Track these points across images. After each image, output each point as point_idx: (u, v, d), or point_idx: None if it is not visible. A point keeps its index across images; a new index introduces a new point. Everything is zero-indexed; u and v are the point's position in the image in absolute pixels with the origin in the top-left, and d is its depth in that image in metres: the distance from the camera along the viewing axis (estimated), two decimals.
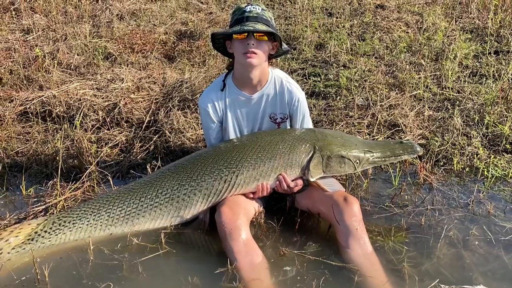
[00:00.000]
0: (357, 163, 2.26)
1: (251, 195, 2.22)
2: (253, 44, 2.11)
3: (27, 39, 4.31)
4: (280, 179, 2.19)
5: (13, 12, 4.75)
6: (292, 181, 2.22)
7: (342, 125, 3.18)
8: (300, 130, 2.35)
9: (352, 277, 1.88)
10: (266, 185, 2.19)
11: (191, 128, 3.03)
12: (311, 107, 3.36)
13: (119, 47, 4.14)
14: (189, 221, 2.20)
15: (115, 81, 3.49)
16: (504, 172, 2.69)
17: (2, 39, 4.25)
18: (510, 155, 2.86)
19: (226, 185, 2.15)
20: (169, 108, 3.15)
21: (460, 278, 1.86)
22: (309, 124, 2.44)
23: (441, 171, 2.74)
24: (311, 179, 2.22)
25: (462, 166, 2.77)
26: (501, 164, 2.75)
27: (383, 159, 2.34)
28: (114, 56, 3.98)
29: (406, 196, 2.49)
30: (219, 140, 2.40)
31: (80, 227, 2.09)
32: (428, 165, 2.75)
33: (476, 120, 3.16)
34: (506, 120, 3.08)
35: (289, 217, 2.28)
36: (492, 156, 2.80)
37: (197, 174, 2.17)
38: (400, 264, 1.97)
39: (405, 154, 2.36)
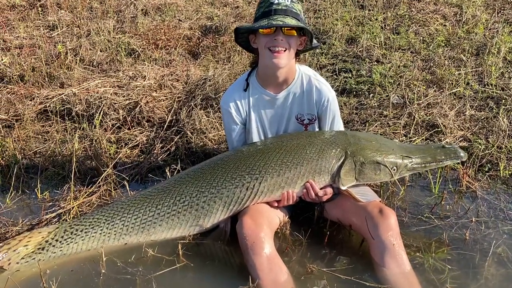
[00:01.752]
0: (394, 170, 2.05)
1: (276, 204, 2.04)
2: (281, 40, 1.92)
3: (52, 35, 4.25)
4: (307, 187, 2.00)
5: (39, 8, 4.70)
6: (321, 189, 2.03)
7: (376, 126, 2.95)
8: (330, 133, 2.15)
9: None
10: (292, 193, 2.01)
11: (214, 129, 2.87)
12: (341, 106, 3.14)
13: (142, 43, 4.02)
14: (208, 230, 2.04)
15: (137, 78, 3.37)
16: None
17: (28, 35, 4.20)
18: None
19: (248, 192, 1.98)
20: (191, 107, 3.00)
21: None
22: (340, 126, 2.24)
23: (486, 177, 2.49)
24: (342, 188, 2.02)
25: (509, 172, 2.51)
26: None
27: (423, 165, 2.12)
28: (137, 52, 3.87)
29: (447, 206, 2.26)
30: (242, 142, 2.23)
31: (93, 236, 1.96)
32: (471, 170, 2.51)
33: None
34: None
35: (317, 228, 2.09)
36: None
37: (218, 181, 2.00)
38: (443, 285, 1.76)
39: (447, 160, 2.14)
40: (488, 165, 2.58)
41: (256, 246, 1.81)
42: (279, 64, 1.94)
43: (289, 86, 2.11)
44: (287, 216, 2.12)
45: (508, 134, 2.78)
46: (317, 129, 2.21)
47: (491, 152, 2.63)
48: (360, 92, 3.35)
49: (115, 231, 1.98)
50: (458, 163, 2.26)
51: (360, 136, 2.18)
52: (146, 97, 3.13)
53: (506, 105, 3.03)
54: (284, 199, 2.01)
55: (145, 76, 3.36)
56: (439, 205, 2.26)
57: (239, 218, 1.95)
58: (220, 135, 2.83)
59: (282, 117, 2.18)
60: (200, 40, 4.04)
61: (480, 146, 2.66)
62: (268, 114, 2.17)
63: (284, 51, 1.94)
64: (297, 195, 2.03)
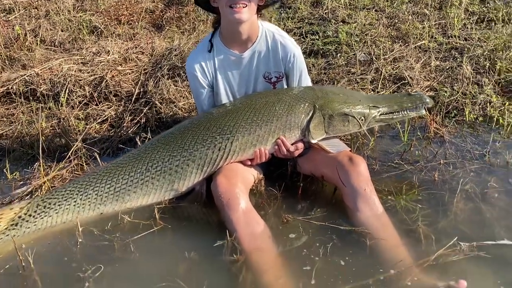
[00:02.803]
0: (362, 120, 2.08)
1: (249, 162, 2.05)
2: None
3: (9, 19, 4.10)
4: (278, 143, 2.01)
5: None
6: (292, 144, 2.04)
7: (343, 83, 2.98)
8: (298, 89, 2.16)
9: (363, 241, 1.73)
10: (264, 151, 2.02)
11: (183, 98, 2.84)
12: (310, 67, 3.15)
13: (104, 19, 3.92)
14: (184, 194, 2.04)
15: (100, 54, 3.30)
16: None
17: None
18: None
19: (221, 153, 1.99)
20: (158, 78, 2.96)
21: (481, 234, 1.70)
22: (307, 82, 2.24)
23: (452, 123, 2.55)
24: (313, 141, 2.05)
25: (474, 116, 2.58)
26: None
27: (390, 115, 2.14)
28: (100, 30, 3.77)
29: (416, 152, 2.31)
30: (211, 106, 2.22)
31: (67, 208, 1.94)
32: (438, 117, 2.57)
33: (487, 67, 2.94)
34: None
35: (291, 183, 2.12)
36: (507, 103, 2.60)
37: (189, 144, 2.00)
38: (414, 223, 1.81)
39: (413, 108, 2.14)
40: (454, 111, 2.64)
41: (232, 202, 1.83)
42: (241, 19, 1.92)
43: (254, 44, 2.09)
44: (261, 174, 2.14)
45: (472, 81, 2.85)
46: (285, 87, 2.21)
47: (457, 98, 2.70)
48: (327, 53, 3.36)
49: (89, 201, 1.96)
50: (424, 112, 2.21)
51: (328, 90, 2.19)
52: (111, 71, 3.08)
53: (469, 54, 3.08)
54: (257, 156, 2.02)
55: (109, 51, 3.29)
56: (409, 151, 2.31)
57: (213, 178, 1.96)
58: (190, 103, 2.81)
59: (249, 77, 2.17)
60: (164, 12, 3.96)
61: (445, 94, 2.72)
62: (235, 74, 2.16)
63: (245, 6, 1.92)
64: (269, 152, 2.05)
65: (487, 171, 2.11)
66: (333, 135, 2.10)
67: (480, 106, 2.65)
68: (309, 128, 2.03)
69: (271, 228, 1.83)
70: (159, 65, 3.08)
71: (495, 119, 2.50)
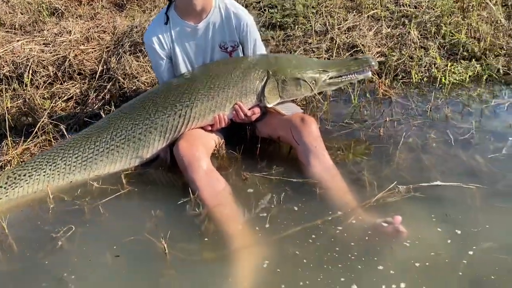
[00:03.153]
0: (313, 84, 2.22)
1: (210, 128, 2.18)
2: None
3: None
4: (236, 109, 2.15)
5: None
6: (249, 109, 2.18)
7: (300, 52, 3.12)
8: (252, 57, 2.29)
9: (313, 190, 1.89)
10: (223, 116, 2.15)
11: (145, 72, 2.94)
12: (269, 39, 3.28)
13: (65, 1, 3.94)
14: (149, 161, 2.16)
15: (62, 34, 3.34)
16: (461, 77, 2.70)
17: None
18: (467, 61, 2.87)
19: (181, 119, 2.11)
20: (120, 54, 3.04)
21: (418, 178, 1.89)
22: (261, 50, 2.37)
23: (400, 84, 2.73)
24: (268, 105, 2.18)
25: (420, 77, 2.77)
26: (458, 70, 2.76)
27: (339, 79, 2.26)
28: (60, 11, 3.79)
29: (365, 112, 2.49)
30: (171, 76, 2.32)
31: (37, 179, 2.05)
32: (387, 80, 2.75)
33: (433, 32, 3.13)
34: (462, 28, 3.06)
35: (251, 145, 2.26)
36: (449, 64, 2.80)
37: (151, 112, 2.11)
38: (360, 173, 1.99)
39: (361, 71, 2.24)
40: (402, 73, 2.83)
41: (194, 164, 1.96)
42: None
43: (208, 15, 2.20)
44: (222, 138, 2.27)
45: (419, 45, 3.03)
46: (241, 55, 2.34)
47: (404, 61, 2.88)
48: (286, 25, 3.49)
49: (58, 171, 2.07)
50: (370, 75, 2.31)
51: (280, 56, 2.34)
52: (74, 51, 3.13)
53: (416, 20, 3.26)
54: (216, 122, 2.15)
55: (71, 31, 3.33)
56: (358, 112, 2.49)
57: (175, 143, 2.09)
58: (152, 77, 2.90)
59: (206, 47, 2.28)
60: None
61: (393, 58, 2.90)
62: (192, 45, 2.26)
63: None
64: (228, 118, 2.18)
65: (428, 125, 2.31)
66: (287, 99, 2.24)
67: (426, 68, 2.84)
68: (264, 93, 2.16)
69: (231, 185, 1.97)
70: (121, 43, 3.15)
71: (438, 79, 2.70)
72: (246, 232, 1.72)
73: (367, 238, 1.64)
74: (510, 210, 1.70)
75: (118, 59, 3.02)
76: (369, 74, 2.31)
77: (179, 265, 1.60)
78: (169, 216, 1.85)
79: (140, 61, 3.01)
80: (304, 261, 1.58)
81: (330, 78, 2.25)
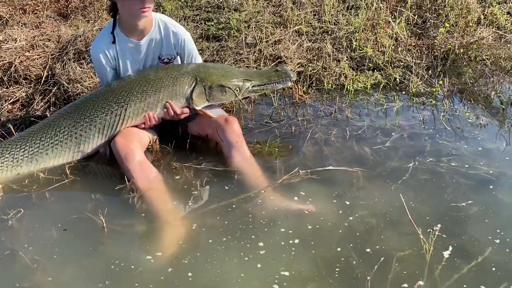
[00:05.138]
0: (237, 90, 2.51)
1: (142, 126, 2.47)
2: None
3: None
4: (167, 106, 2.42)
5: None
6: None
7: (231, 62, 3.52)
8: (184, 65, 2.62)
9: (232, 176, 2.28)
10: (153, 115, 2.43)
11: (88, 78, 3.22)
12: (205, 49, 3.65)
13: (9, 9, 4.13)
14: (91, 155, 2.46)
15: (7, 41, 3.55)
16: (364, 84, 3.20)
17: None
18: (371, 72, 3.38)
19: (117, 118, 2.40)
20: (65, 61, 3.30)
21: (318, 165, 2.32)
22: (198, 61, 2.67)
23: (314, 91, 3.19)
24: (197, 108, 2.48)
25: (331, 85, 3.24)
26: (362, 79, 3.26)
27: (262, 87, 2.57)
28: (5, 19, 3.98)
29: (282, 113, 2.92)
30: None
31: None
32: (304, 87, 3.19)
33: (345, 45, 3.63)
34: (369, 43, 3.58)
35: (182, 141, 2.61)
36: (355, 74, 3.29)
37: (90, 111, 2.40)
38: (272, 162, 2.39)
39: (280, 81, 2.56)
40: (316, 81, 3.29)
41: (129, 156, 2.28)
42: (148, 16, 2.39)
43: (150, 32, 2.51)
44: (155, 135, 2.61)
45: (333, 57, 3.52)
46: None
47: (318, 71, 3.35)
48: (220, 37, 3.88)
49: (6, 164, 2.32)
50: (290, 84, 2.62)
51: (209, 66, 2.67)
52: (19, 57, 3.36)
53: (332, 35, 3.76)
54: (147, 120, 2.42)
55: (16, 38, 3.55)
56: (277, 113, 2.91)
57: (113, 139, 2.40)
58: (95, 82, 3.19)
59: (147, 60, 2.58)
60: (69, 2, 4.24)
61: (309, 68, 3.36)
62: (135, 59, 2.55)
63: (150, 7, 2.34)
64: (158, 116, 2.46)
65: (332, 124, 2.76)
66: (214, 103, 2.55)
67: (336, 77, 3.32)
68: (192, 97, 2.47)
69: (162, 173, 2.32)
70: (66, 50, 3.42)
71: (346, 86, 3.18)
72: (172, 210, 2.07)
73: (274, 210, 2.03)
74: (381, 187, 2.16)
75: (63, 65, 3.28)
76: (288, 84, 2.62)
77: (116, 236, 1.93)
78: (107, 199, 2.17)
79: (84, 68, 3.29)
80: (220, 230, 1.95)
81: (253, 86, 2.55)
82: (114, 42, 2.50)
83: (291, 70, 2.74)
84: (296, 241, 1.84)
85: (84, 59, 3.35)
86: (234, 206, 2.07)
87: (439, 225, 1.76)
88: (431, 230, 1.74)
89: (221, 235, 1.92)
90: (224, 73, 2.56)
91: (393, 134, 2.61)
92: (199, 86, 2.47)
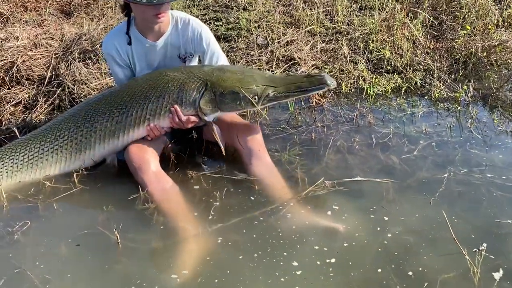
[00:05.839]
0: (255, 99, 2.13)
1: (149, 138, 2.22)
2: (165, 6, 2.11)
3: None
4: (172, 111, 2.15)
5: None
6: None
7: (242, 63, 3.37)
8: (197, 67, 2.31)
9: (253, 186, 2.13)
10: (156, 126, 2.17)
11: (95, 79, 3.06)
12: None
13: (10, 6, 3.96)
14: (97, 164, 2.28)
15: (9, 40, 3.38)
16: (384, 88, 3.06)
17: None
18: (390, 75, 3.24)
19: (118, 125, 2.17)
20: (69, 61, 3.14)
21: (343, 175, 2.18)
22: (223, 60, 2.40)
23: (331, 94, 3.05)
24: (206, 118, 2.17)
25: (349, 89, 3.09)
26: (382, 83, 3.12)
27: (286, 94, 2.14)
28: (6, 16, 3.81)
29: (300, 118, 2.77)
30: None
31: None
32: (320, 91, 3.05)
33: (361, 47, 3.49)
34: (387, 45, 3.45)
35: (197, 147, 2.46)
36: (374, 77, 3.15)
37: (91, 116, 2.19)
38: (294, 171, 2.25)
39: (312, 88, 2.11)
40: None
41: (143, 166, 2.12)
42: (164, 21, 2.18)
43: (167, 32, 2.30)
44: (170, 141, 2.45)
45: (349, 59, 3.38)
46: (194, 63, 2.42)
47: (336, 74, 3.20)
48: (230, 37, 3.73)
49: (6, 169, 2.16)
50: (325, 90, 2.30)
51: (227, 68, 2.28)
52: (21, 56, 3.19)
53: (348, 36, 3.62)
54: (150, 132, 2.18)
55: (18, 37, 3.38)
56: (294, 118, 2.76)
57: (126, 148, 2.21)
58: (102, 84, 3.04)
59: (165, 61, 2.36)
60: None
61: (326, 71, 3.21)
62: (152, 60, 2.35)
63: (166, 12, 2.14)
64: (163, 126, 2.19)
65: (354, 130, 2.62)
66: (227, 112, 2.22)
67: (354, 80, 3.18)
68: (200, 104, 2.14)
69: (178, 183, 2.16)
70: (70, 50, 3.26)
71: (365, 90, 3.04)
72: (193, 222, 1.92)
73: (304, 225, 1.88)
74: (416, 200, 2.02)
75: (68, 65, 3.12)
76: (321, 90, 2.16)
77: (130, 253, 1.77)
78: (120, 211, 2.01)
79: (90, 68, 3.13)
80: (248, 245, 1.80)
81: (276, 93, 2.14)
82: (130, 43, 2.29)
83: (330, 75, 2.25)
84: (333, 260, 1.70)
85: (90, 59, 3.19)
86: (261, 219, 1.93)
87: (485, 244, 1.62)
88: (477, 250, 1.60)
89: (251, 251, 1.77)
90: (242, 77, 2.20)
91: (420, 142, 2.48)
92: (208, 92, 2.15)
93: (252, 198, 2.07)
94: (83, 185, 2.18)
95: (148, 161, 2.14)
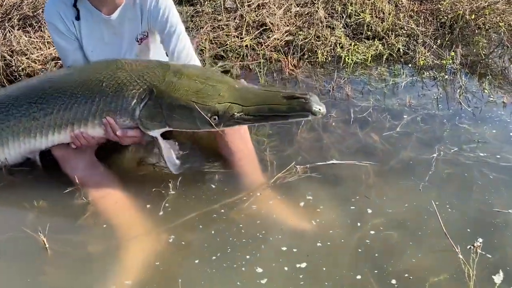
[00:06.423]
0: (214, 119, 1.63)
1: (74, 146, 1.76)
2: None
3: None
4: (105, 123, 1.68)
5: None
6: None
7: (208, 29, 3.01)
8: (149, 65, 1.75)
9: (214, 172, 1.84)
10: (83, 133, 1.70)
11: (37, 49, 2.68)
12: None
13: None
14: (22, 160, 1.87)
15: None
16: (364, 56, 2.76)
17: None
18: (370, 41, 2.93)
19: (35, 123, 1.72)
20: (7, 29, 2.74)
21: (317, 157, 1.89)
22: (185, 43, 1.89)
23: (306, 64, 2.73)
24: (149, 132, 1.69)
25: (325, 57, 2.78)
26: (361, 50, 2.81)
27: (257, 118, 1.65)
28: None
29: None
30: (80, 63, 1.93)
31: None
32: (294, 59, 2.73)
33: (339, 11, 3.16)
34: (366, 8, 3.12)
35: None
36: (353, 44, 2.84)
37: (6, 107, 1.76)
38: (262, 153, 1.95)
39: (292, 115, 1.61)
40: (309, 53, 2.83)
41: (72, 160, 1.77)
42: None
43: (123, 3, 1.87)
44: None
45: (326, 24, 3.05)
46: (157, 47, 1.99)
47: (311, 41, 2.88)
48: (196, 1, 3.35)
49: None
50: (310, 118, 1.63)
51: (186, 72, 1.70)
52: None
53: None
54: (74, 139, 1.72)
55: None
56: None
57: None
58: (45, 55, 2.65)
59: (121, 44, 1.94)
60: None
61: (300, 37, 2.88)
62: (104, 39, 1.92)
63: None
64: (93, 135, 1.72)
65: (330, 104, 2.32)
66: (180, 129, 1.73)
67: (331, 48, 2.86)
68: (141, 117, 1.66)
69: (122, 173, 1.83)
70: (9, 16, 2.85)
71: (342, 58, 2.73)
72: (135, 222, 1.62)
73: (272, 219, 1.60)
74: (400, 186, 1.75)
75: (4, 34, 2.72)
76: (308, 117, 1.61)
77: (60, 260, 1.47)
78: (53, 207, 1.69)
79: (32, 37, 2.73)
80: (206, 245, 1.52)
81: (243, 115, 1.63)
82: (78, 18, 1.86)
83: (316, 99, 1.62)
84: (303, 265, 1.43)
85: (31, 26, 2.79)
86: (222, 211, 1.64)
87: (480, 240, 1.37)
88: (472, 247, 1.34)
89: (208, 252, 1.49)
90: (202, 87, 1.65)
91: (404, 116, 2.20)
92: (153, 102, 1.64)
93: (213, 186, 1.78)
94: (14, 176, 1.84)
95: (79, 156, 1.77)
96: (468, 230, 1.51)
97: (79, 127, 1.70)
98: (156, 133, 1.70)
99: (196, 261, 1.48)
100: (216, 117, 1.62)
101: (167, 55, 1.97)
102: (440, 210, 1.50)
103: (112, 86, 1.66)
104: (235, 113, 1.62)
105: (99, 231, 1.58)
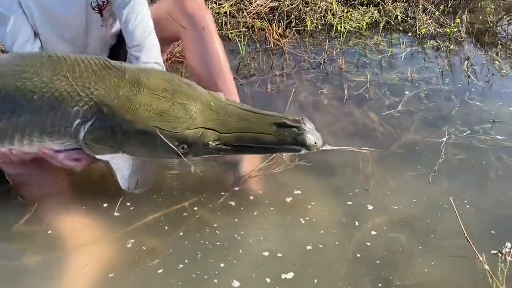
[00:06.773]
0: (182, 148, 1.30)
1: None
2: None
3: None
4: (44, 155, 1.32)
5: None
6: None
7: None
8: (96, 65, 1.30)
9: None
10: (14, 151, 1.31)
11: None
12: None
13: None
14: None
15: None
16: (358, 24, 2.46)
17: None
18: (365, 7, 2.62)
19: None
20: None
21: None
22: (143, 21, 1.52)
23: (293, 33, 2.42)
24: (97, 156, 1.33)
25: (315, 25, 2.47)
26: (355, 17, 2.51)
27: (238, 149, 1.33)
28: None
29: (253, 65, 2.16)
30: (25, 44, 1.50)
31: None
32: (279, 28, 2.42)
33: None
34: None
35: None
36: (346, 10, 2.53)
37: None
38: None
39: (281, 148, 1.33)
40: (296, 21, 2.51)
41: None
42: None
43: None
44: None
45: None
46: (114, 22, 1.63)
47: (298, 7, 2.56)
48: None
49: None
50: (302, 152, 1.34)
51: (145, 83, 1.30)
52: None
53: None
54: (3, 156, 1.33)
55: None
56: (246, 65, 2.15)
57: None
58: None
59: (79, 11, 1.53)
60: None
61: (286, 3, 2.56)
62: (60, 14, 1.51)
63: None
64: (25, 152, 1.32)
65: (321, 79, 2.04)
66: (137, 157, 1.38)
67: (321, 15, 2.55)
68: (86, 140, 1.29)
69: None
70: None
71: (334, 27, 2.43)
72: (85, 224, 1.33)
73: (250, 218, 1.33)
74: (406, 177, 1.48)
75: None
76: (301, 151, 1.34)
77: None
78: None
79: None
80: (171, 251, 1.24)
81: (221, 144, 1.32)
82: None
83: (311, 130, 1.36)
84: (289, 275, 1.16)
85: None
86: (195, 209, 1.36)
87: (509, 245, 1.11)
88: (500, 254, 1.08)
89: (174, 260, 1.22)
90: (168, 107, 1.28)
91: (405, 92, 1.92)
92: (101, 123, 1.27)
93: (185, 179, 1.49)
94: None
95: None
96: (492, 232, 1.25)
97: (2, 145, 1.30)
98: (106, 157, 1.33)
99: (160, 271, 1.20)
100: (185, 146, 1.29)
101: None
102: (457, 206, 1.23)
103: (49, 98, 1.24)
104: (210, 142, 1.30)
105: (40, 237, 1.28)
